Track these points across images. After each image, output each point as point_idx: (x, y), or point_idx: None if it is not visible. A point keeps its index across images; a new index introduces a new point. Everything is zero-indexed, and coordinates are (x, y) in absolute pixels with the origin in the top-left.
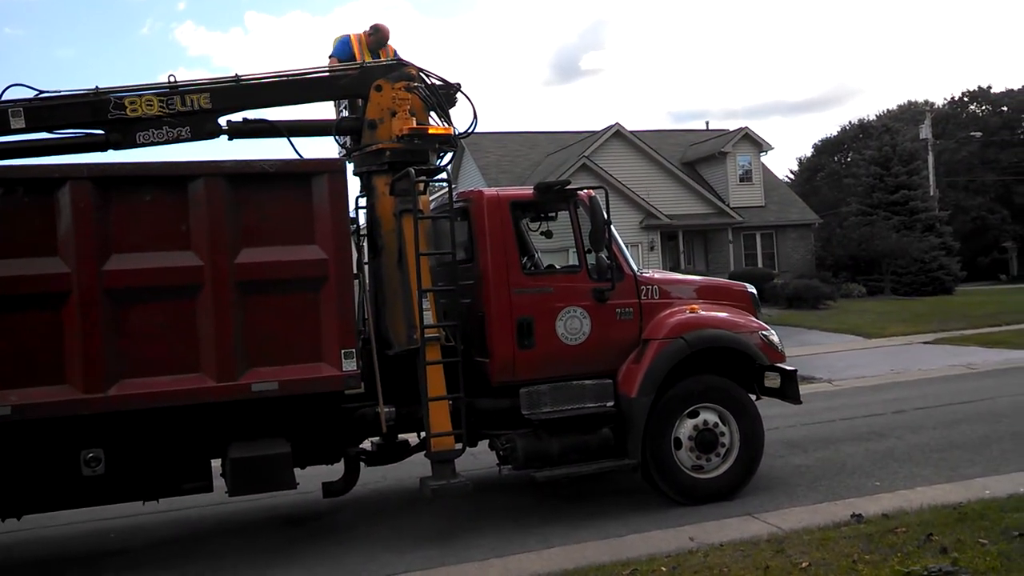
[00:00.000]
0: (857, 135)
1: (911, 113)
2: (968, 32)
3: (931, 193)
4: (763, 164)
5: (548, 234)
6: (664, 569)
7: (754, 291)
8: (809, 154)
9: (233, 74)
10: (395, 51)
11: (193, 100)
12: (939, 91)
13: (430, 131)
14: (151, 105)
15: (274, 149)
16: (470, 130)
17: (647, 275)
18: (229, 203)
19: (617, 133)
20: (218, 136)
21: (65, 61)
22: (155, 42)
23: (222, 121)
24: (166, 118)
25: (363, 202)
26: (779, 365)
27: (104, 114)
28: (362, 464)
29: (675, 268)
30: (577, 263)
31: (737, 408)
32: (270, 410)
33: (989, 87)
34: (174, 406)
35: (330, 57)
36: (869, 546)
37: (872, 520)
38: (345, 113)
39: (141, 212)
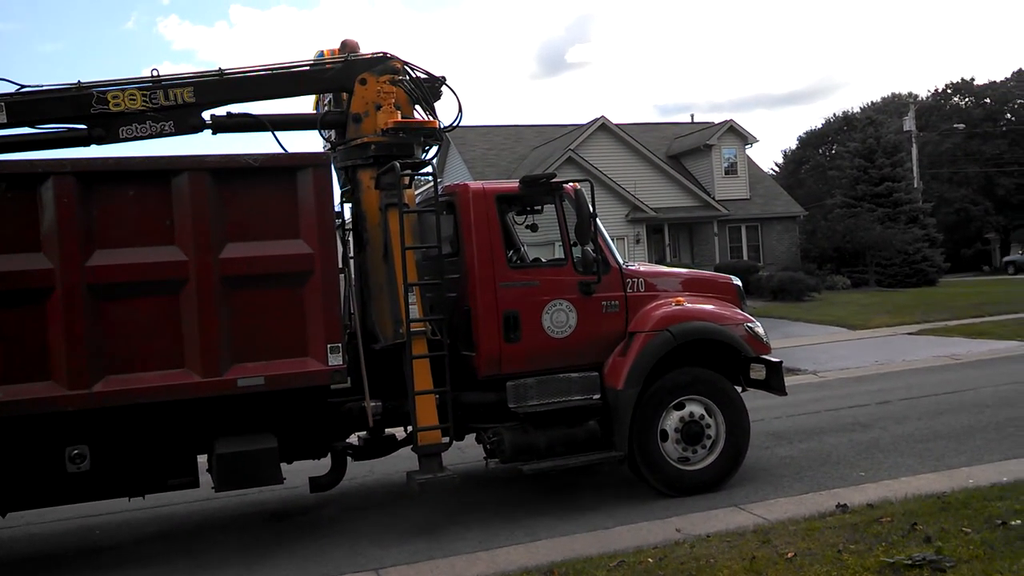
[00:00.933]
0: (841, 127)
1: (895, 105)
2: (951, 25)
3: (915, 185)
4: (748, 157)
5: (534, 227)
6: (651, 560)
7: (739, 283)
8: (794, 147)
9: (217, 68)
10: None
11: (176, 94)
12: (923, 83)
13: (415, 124)
14: (134, 99)
15: (258, 143)
16: (455, 123)
17: (633, 268)
18: (213, 198)
19: (603, 126)
20: (202, 130)
21: (50, 56)
22: (140, 36)
23: (206, 115)
24: (149, 112)
25: (348, 196)
26: (764, 357)
27: (87, 109)
28: (349, 459)
29: (661, 261)
30: (563, 256)
31: (723, 400)
32: (256, 405)
33: (972, 79)
34: (159, 402)
35: None
36: (854, 536)
37: (857, 510)
38: (328, 108)
39: (125, 207)
